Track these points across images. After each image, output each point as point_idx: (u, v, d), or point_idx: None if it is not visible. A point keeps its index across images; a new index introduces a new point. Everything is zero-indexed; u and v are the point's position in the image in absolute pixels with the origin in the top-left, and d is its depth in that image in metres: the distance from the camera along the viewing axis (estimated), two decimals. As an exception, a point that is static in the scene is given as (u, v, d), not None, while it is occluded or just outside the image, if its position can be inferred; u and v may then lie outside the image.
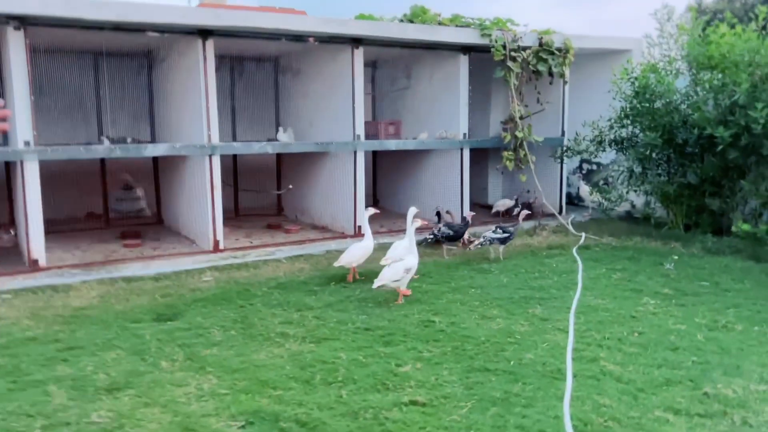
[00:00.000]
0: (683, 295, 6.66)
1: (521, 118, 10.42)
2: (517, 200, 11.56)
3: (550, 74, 10.65)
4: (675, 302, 6.38)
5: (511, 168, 10.26)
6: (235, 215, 11.56)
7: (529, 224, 10.63)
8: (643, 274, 7.52)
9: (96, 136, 10.23)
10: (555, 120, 11.46)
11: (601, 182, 12.18)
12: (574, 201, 12.80)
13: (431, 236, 8.71)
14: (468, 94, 10.52)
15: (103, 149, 8.14)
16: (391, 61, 11.90)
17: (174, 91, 9.38)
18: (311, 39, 8.97)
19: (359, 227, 9.64)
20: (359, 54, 9.32)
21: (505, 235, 8.48)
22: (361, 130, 9.51)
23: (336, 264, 7.36)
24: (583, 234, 9.76)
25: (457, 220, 10.16)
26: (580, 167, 12.96)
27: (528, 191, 12.19)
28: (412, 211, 7.55)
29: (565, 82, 11.06)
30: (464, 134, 10.51)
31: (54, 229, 9.05)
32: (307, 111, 10.64)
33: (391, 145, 10.08)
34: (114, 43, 9.13)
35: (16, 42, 7.23)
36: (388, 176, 12.45)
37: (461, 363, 4.83)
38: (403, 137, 10.78)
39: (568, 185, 13.15)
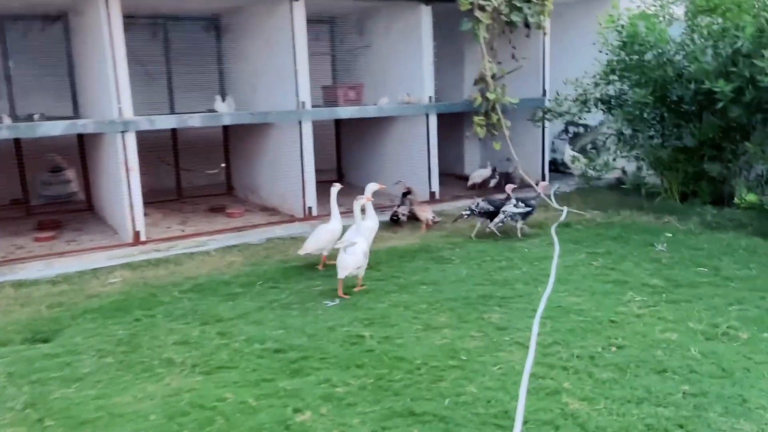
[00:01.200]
0: (676, 287, 5.50)
1: (494, 77, 9.13)
2: (494, 170, 10.35)
3: (527, 26, 9.31)
4: (665, 298, 5.23)
5: (482, 135, 9.02)
6: (178, 197, 10.36)
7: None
8: (630, 258, 6.35)
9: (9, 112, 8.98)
10: (534, 79, 10.17)
11: (589, 147, 10.95)
12: (560, 168, 11.56)
13: (467, 212, 7.53)
14: (433, 51, 9.22)
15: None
16: (347, 16, 10.53)
17: (85, 57, 8.09)
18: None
19: (309, 209, 8.46)
20: (299, 7, 7.99)
21: (528, 209, 7.45)
22: (306, 96, 8.24)
23: (301, 252, 6.37)
24: (565, 209, 8.56)
25: (423, 195, 8.96)
26: (565, 130, 11.70)
27: (508, 159, 10.96)
28: (371, 187, 6.62)
29: (544, 35, 9.72)
30: (430, 98, 9.25)
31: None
32: (249, 76, 9.35)
33: (344, 113, 8.81)
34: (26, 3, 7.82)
35: None
36: (352, 148, 11.21)
37: (381, 403, 3.69)
38: (366, 103, 9.51)
39: (553, 151, 11.92)
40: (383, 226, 8.16)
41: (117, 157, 7.26)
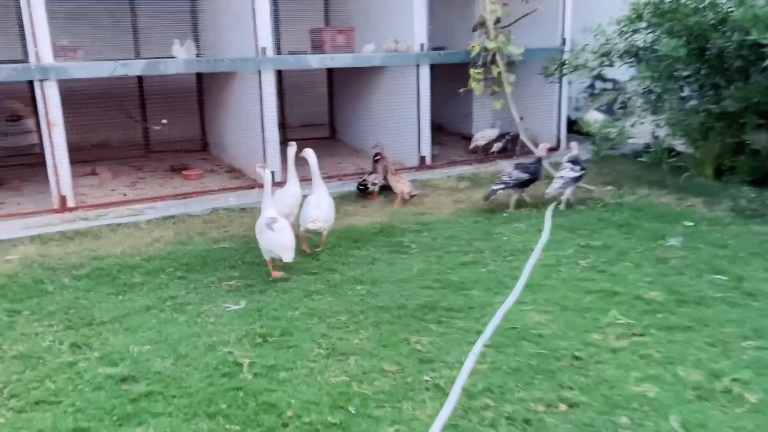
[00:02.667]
0: (678, 303, 4.21)
1: (497, 22, 7.68)
2: (505, 133, 8.99)
3: (541, -40, 7.78)
4: (659, 322, 3.97)
5: (478, 92, 7.66)
6: (146, 152, 9.37)
7: (498, 167, 8.13)
8: (631, 256, 5.06)
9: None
10: (552, 25, 8.65)
11: (617, 107, 9.42)
12: (582, 131, 10.06)
13: (500, 185, 6.38)
14: (425, -11, 7.81)
15: None
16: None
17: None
18: None
19: (272, 173, 7.33)
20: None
21: (583, 171, 6.54)
22: (267, 41, 7.02)
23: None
24: (567, 191, 7.16)
25: (411, 160, 7.73)
26: (591, 86, 10.15)
27: (522, 118, 9.57)
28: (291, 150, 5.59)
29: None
30: (421, 45, 7.88)
31: None
32: (214, 17, 8.15)
33: (314, 61, 7.55)
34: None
35: None
36: (344, 102, 9.97)
37: (203, 486, 2.64)
38: (356, 50, 8.21)
39: (577, 109, 10.42)
40: (351, 197, 7.05)
41: (39, 109, 6.26)
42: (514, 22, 8.73)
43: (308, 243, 5.47)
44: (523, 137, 7.94)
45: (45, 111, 6.23)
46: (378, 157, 7.09)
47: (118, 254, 5.44)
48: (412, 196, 6.78)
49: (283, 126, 10.33)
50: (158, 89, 9.19)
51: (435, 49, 10.15)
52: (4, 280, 4.88)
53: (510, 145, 8.83)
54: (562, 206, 6.40)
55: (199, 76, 9.22)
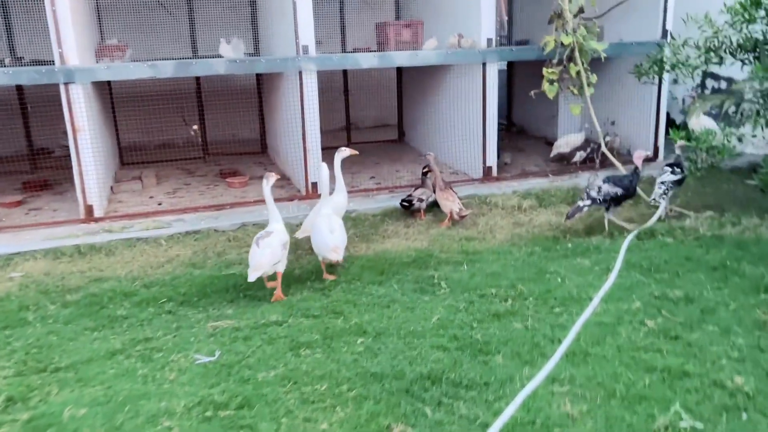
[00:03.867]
0: (775, 400, 3.08)
1: (580, 12, 6.53)
2: (589, 140, 7.81)
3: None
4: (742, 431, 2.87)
5: (551, 94, 6.54)
6: (204, 155, 9.01)
7: (577, 180, 7.01)
8: (719, 315, 3.92)
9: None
10: (651, 14, 7.35)
11: (731, 111, 7.94)
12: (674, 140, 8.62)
13: (586, 202, 5.43)
14: (496, -24, 6.80)
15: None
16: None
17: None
18: None
19: (313, 184, 6.68)
20: None
21: (683, 174, 5.79)
22: (309, 39, 6.32)
23: (298, 235, 5.13)
24: (662, 204, 5.95)
25: (475, 171, 6.79)
26: (701, 85, 8.68)
27: (613, 123, 8.35)
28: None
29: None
30: (488, 40, 6.88)
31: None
32: (265, 12, 7.57)
33: (365, 60, 6.75)
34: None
35: None
36: (411, 103, 9.14)
37: None
38: (430, 43, 7.33)
39: (683, 113, 8.98)
40: (395, 214, 6.24)
41: (65, 113, 5.94)
42: (606, 12, 7.52)
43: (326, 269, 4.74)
44: (603, 148, 6.73)
45: (70, 115, 5.87)
46: (426, 169, 6.23)
47: (122, 276, 4.97)
48: (462, 217, 5.86)
49: (348, 127, 9.70)
50: (217, 89, 8.83)
51: (519, 43, 9.09)
52: (-10, 304, 4.52)
53: (596, 154, 7.63)
54: (653, 220, 5.38)
55: (258, 74, 8.73)
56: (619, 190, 5.46)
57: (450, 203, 5.88)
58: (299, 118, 6.53)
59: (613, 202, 5.50)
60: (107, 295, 4.61)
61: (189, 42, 8.65)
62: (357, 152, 5.44)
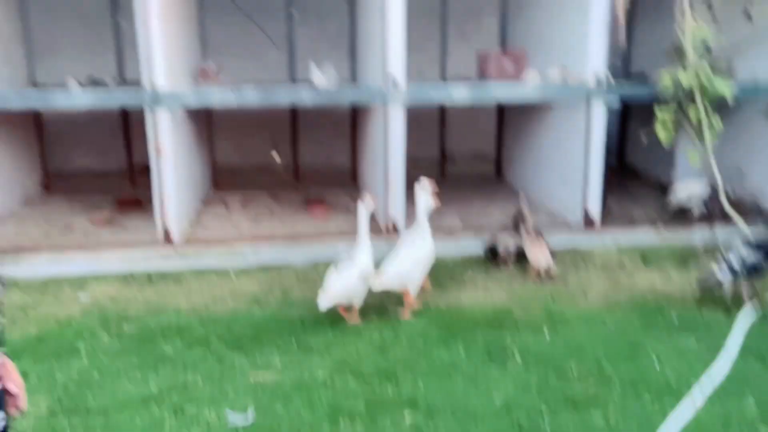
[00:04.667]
0: None
1: (705, 50, 5.76)
2: (712, 188, 6.90)
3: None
4: None
5: (665, 140, 5.79)
6: (295, 178, 8.90)
7: (692, 236, 6.16)
8: None
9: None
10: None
11: None
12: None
13: (724, 272, 4.62)
14: (609, 7, 6.17)
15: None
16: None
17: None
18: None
19: (394, 223, 6.30)
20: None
21: None
22: (399, 70, 5.98)
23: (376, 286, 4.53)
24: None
25: (575, 218, 6.13)
26: None
27: (741, 171, 7.38)
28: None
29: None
30: (595, 75, 6.23)
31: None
32: (362, 39, 7.35)
33: (458, 94, 6.30)
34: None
35: None
36: (510, 136, 8.59)
37: None
38: (530, 78, 6.80)
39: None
40: (478, 261, 5.72)
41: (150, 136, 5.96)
42: (737, 47, 6.66)
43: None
44: (724, 200, 5.87)
45: (154, 138, 5.88)
46: (518, 214, 5.68)
47: (182, 309, 4.81)
48: (548, 272, 5.25)
49: (443, 158, 9.28)
50: (311, 114, 8.72)
51: (636, 75, 8.34)
52: (52, 328, 4.49)
53: (716, 207, 6.72)
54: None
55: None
56: (761, 257, 4.60)
57: (539, 256, 5.28)
58: (383, 150, 6.19)
59: (754, 271, 4.65)
60: (162, 329, 4.45)
61: (287, 66, 8.60)
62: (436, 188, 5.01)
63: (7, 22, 7.22)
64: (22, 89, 7.17)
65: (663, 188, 7.95)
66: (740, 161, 7.11)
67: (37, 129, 8.01)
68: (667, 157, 7.91)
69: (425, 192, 4.83)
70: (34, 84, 7.89)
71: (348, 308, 4.50)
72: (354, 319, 4.46)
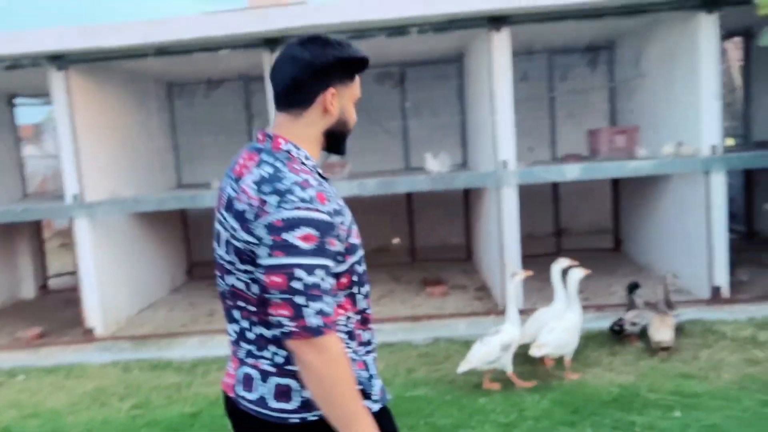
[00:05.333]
0: None
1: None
2: None
3: None
4: None
5: (792, 208, 5.60)
6: (412, 259, 9.28)
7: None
8: None
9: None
10: None
11: None
12: None
13: None
14: (720, 76, 6.20)
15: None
16: (623, 38, 8.00)
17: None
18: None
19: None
20: (502, 39, 6.11)
21: None
22: (510, 153, 6.28)
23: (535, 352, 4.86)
24: None
25: (701, 292, 6.00)
26: None
27: None
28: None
29: None
30: (712, 147, 6.21)
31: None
32: (473, 128, 7.75)
33: (570, 172, 6.47)
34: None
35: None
36: (629, 209, 8.53)
37: None
38: (640, 152, 6.90)
39: None
40: (601, 338, 5.69)
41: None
42: None
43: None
44: None
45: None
46: (634, 286, 5.64)
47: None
48: (663, 348, 5.14)
49: (559, 232, 9.33)
50: (427, 197, 9.14)
51: (759, 144, 8.15)
52: (203, 407, 4.95)
53: None
54: None
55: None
56: None
57: (662, 329, 5.20)
58: (497, 230, 6.41)
59: None
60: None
61: (403, 156, 9.16)
62: (531, 272, 5.23)
63: (162, 137, 8.34)
64: (174, 192, 8.12)
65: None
66: None
67: (183, 224, 8.99)
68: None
69: (568, 263, 5.16)
70: (181, 185, 8.94)
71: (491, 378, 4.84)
72: (495, 386, 4.80)
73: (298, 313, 1.63)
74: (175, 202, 6.66)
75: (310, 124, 1.84)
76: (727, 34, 8.72)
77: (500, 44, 6.07)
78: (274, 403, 1.78)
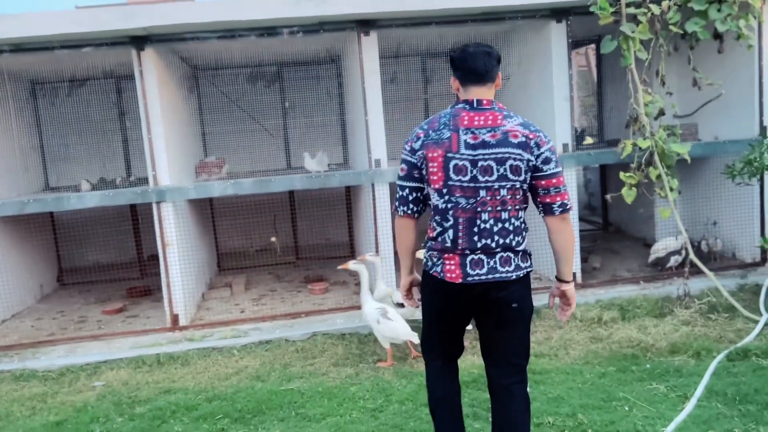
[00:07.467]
0: None
1: (660, 115, 6.31)
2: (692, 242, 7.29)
3: (717, 37, 6.31)
4: None
5: (629, 200, 6.23)
6: (296, 257, 9.37)
7: (670, 289, 6.48)
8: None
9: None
10: (746, 109, 6.93)
11: None
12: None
13: None
14: (570, 80, 6.76)
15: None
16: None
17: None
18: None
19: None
20: (370, 42, 6.35)
21: None
22: (381, 152, 6.54)
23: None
24: (763, 318, 5.42)
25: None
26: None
27: (715, 223, 7.78)
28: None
29: (750, 46, 6.49)
30: (564, 145, 6.77)
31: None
32: (351, 128, 7.96)
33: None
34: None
35: None
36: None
37: None
38: None
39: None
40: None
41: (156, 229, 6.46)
42: (697, 111, 7.20)
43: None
44: (691, 255, 6.23)
45: (160, 231, 6.37)
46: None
47: (190, 388, 5.15)
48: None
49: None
50: (309, 196, 9.25)
51: (610, 143, 8.88)
52: (70, 414, 4.82)
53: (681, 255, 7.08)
54: (751, 336, 4.83)
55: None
56: None
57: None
58: (373, 227, 6.65)
59: None
60: (171, 408, 4.77)
61: (284, 155, 9.23)
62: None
63: (25, 137, 7.92)
64: (38, 195, 7.73)
65: (646, 244, 8.35)
66: (712, 214, 7.52)
67: (52, 229, 8.57)
68: (646, 216, 8.34)
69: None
70: (48, 188, 8.52)
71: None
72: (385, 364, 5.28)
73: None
74: (38, 205, 6.36)
75: (492, 90, 3.06)
76: (583, 42, 9.49)
77: (369, 47, 6.31)
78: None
